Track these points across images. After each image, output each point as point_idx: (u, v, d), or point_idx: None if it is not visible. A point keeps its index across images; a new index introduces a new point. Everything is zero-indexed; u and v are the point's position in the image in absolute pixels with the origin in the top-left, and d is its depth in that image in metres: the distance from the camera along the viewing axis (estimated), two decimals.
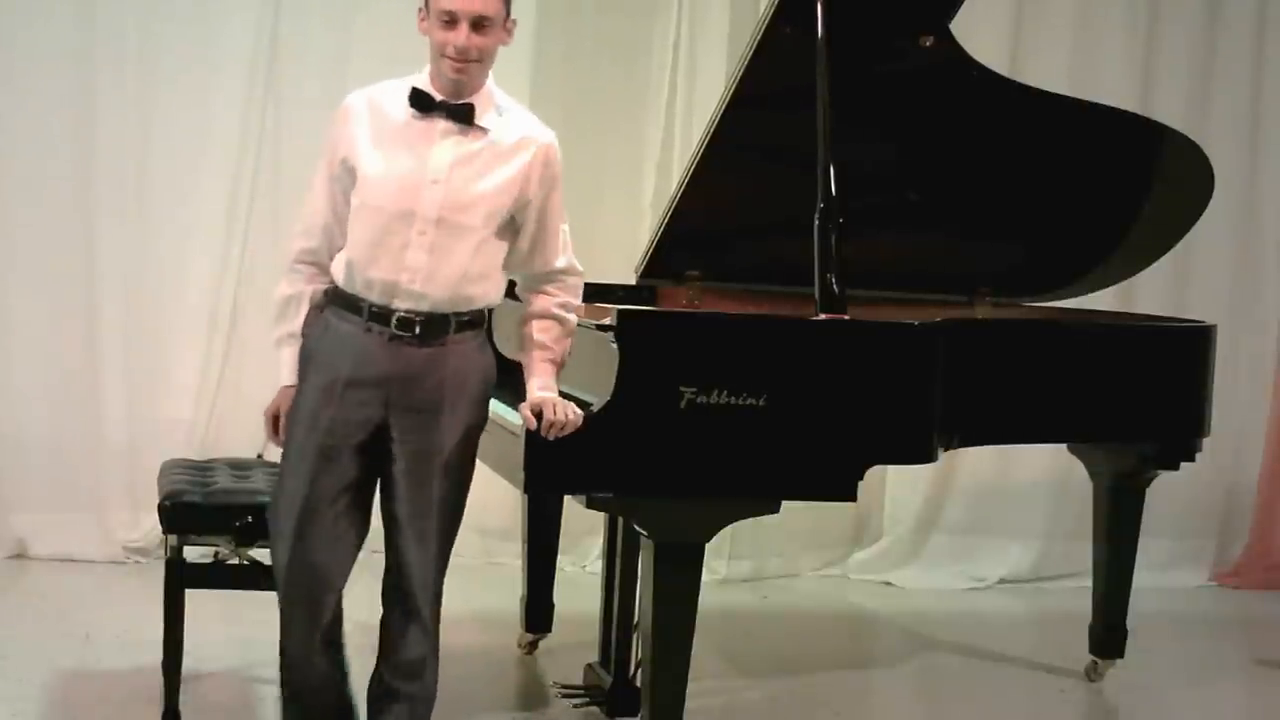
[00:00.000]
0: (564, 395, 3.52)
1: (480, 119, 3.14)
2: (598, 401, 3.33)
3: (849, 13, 3.88)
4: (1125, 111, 4.68)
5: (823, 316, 3.56)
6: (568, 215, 5.79)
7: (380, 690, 3.31)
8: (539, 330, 3.28)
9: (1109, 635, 4.64)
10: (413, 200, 3.09)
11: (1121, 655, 4.66)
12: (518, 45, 5.58)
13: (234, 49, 5.43)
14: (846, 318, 3.56)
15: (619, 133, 5.77)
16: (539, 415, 3.19)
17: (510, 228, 3.20)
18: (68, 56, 5.32)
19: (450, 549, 3.29)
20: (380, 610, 3.30)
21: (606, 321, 3.40)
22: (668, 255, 4.44)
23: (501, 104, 3.19)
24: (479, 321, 3.21)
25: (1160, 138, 4.59)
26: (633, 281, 4.55)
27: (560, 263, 3.29)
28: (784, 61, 3.94)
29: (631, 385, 3.31)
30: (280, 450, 3.27)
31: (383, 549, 3.27)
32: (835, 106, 3.74)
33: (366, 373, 3.14)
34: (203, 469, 4.04)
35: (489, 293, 3.20)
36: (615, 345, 3.33)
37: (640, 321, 3.45)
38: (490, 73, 3.18)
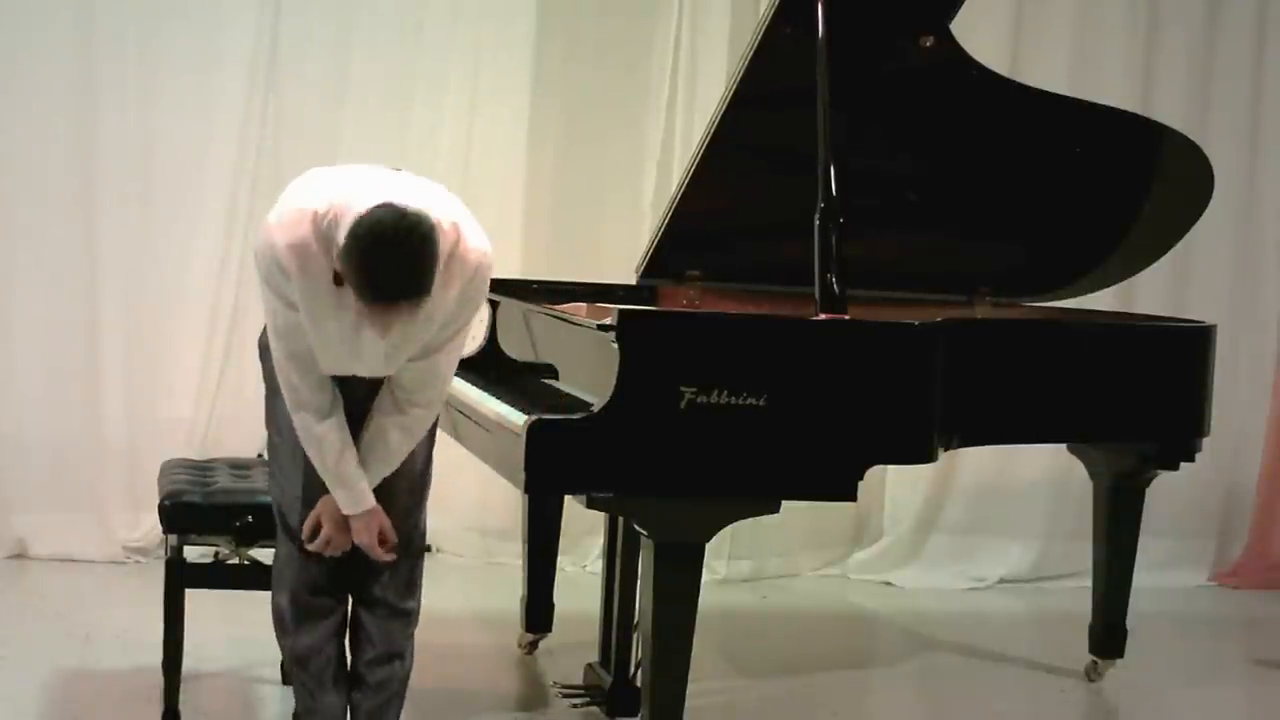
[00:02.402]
0: (565, 396, 3.53)
1: None
2: (598, 401, 3.33)
3: (849, 13, 3.88)
4: (1125, 111, 4.67)
5: (823, 316, 3.56)
6: (570, 213, 5.82)
7: (363, 680, 3.32)
8: (370, 431, 3.14)
9: (1109, 635, 4.64)
10: (355, 364, 3.04)
11: (1121, 655, 4.66)
12: (518, 45, 5.68)
13: (234, 49, 5.43)
14: (846, 318, 3.56)
15: (619, 133, 5.76)
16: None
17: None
18: (68, 57, 5.32)
19: (424, 534, 3.33)
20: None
21: (607, 321, 3.40)
22: (668, 255, 4.44)
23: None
24: None
25: (1160, 138, 4.59)
26: (633, 281, 4.55)
27: (430, 375, 3.11)
28: (784, 61, 3.94)
29: (632, 385, 3.31)
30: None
31: None
32: (835, 106, 3.74)
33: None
34: (203, 469, 4.04)
35: None
36: (615, 345, 3.33)
37: (641, 321, 3.44)
38: None
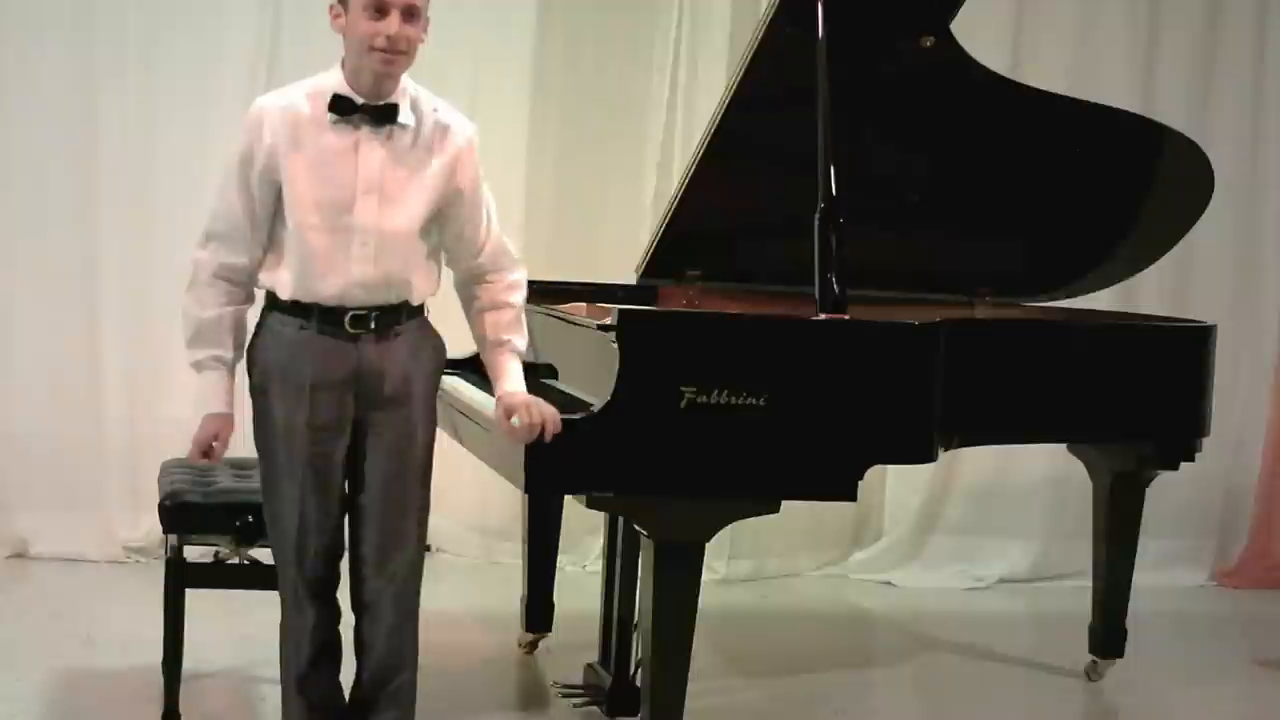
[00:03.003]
0: (564, 396, 3.52)
1: (401, 117, 3.10)
2: (598, 401, 3.33)
3: (849, 13, 3.88)
4: (1125, 111, 4.67)
5: (823, 316, 3.56)
6: (570, 213, 5.81)
7: (369, 694, 3.30)
8: (493, 325, 3.28)
9: (1109, 635, 4.64)
10: (349, 214, 3.07)
11: (1121, 655, 4.66)
12: (518, 45, 5.68)
13: (234, 49, 5.43)
14: (846, 318, 3.56)
15: (619, 132, 5.77)
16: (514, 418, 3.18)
17: (438, 219, 3.19)
18: (68, 57, 5.32)
19: (426, 535, 3.33)
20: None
21: (607, 321, 3.40)
22: (668, 255, 4.44)
23: (417, 96, 3.15)
24: (422, 309, 3.24)
25: (1160, 138, 4.59)
26: (633, 281, 4.55)
27: (494, 244, 3.28)
28: (784, 62, 3.94)
29: (632, 385, 3.31)
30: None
31: None
32: (835, 107, 3.74)
33: (332, 373, 3.13)
34: (203, 469, 4.03)
35: (431, 285, 3.24)
36: (615, 345, 3.33)
37: (641, 321, 3.45)
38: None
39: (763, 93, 4.07)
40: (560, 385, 3.87)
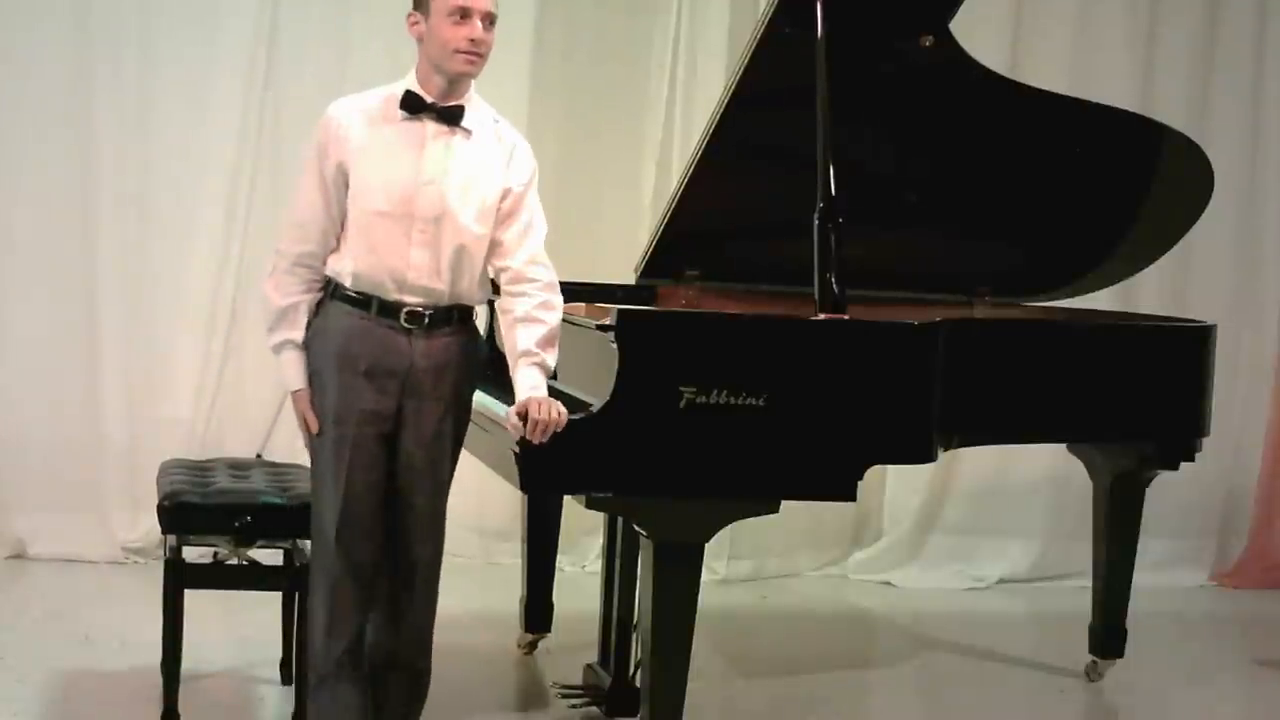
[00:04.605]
0: (564, 396, 3.52)
1: (466, 120, 3.27)
2: (598, 402, 3.33)
3: (849, 12, 3.88)
4: (1125, 111, 4.67)
5: (823, 316, 3.56)
6: (569, 213, 5.81)
7: (384, 661, 3.37)
8: (525, 337, 3.29)
9: (1109, 635, 4.64)
10: (410, 203, 3.21)
11: (1121, 655, 4.66)
12: (518, 44, 5.67)
13: (233, 48, 5.43)
14: (846, 318, 3.56)
15: (619, 132, 5.76)
16: (524, 417, 3.20)
17: (492, 222, 3.30)
18: (67, 56, 5.31)
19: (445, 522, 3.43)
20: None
21: (606, 321, 3.40)
22: (667, 255, 4.44)
23: (480, 107, 3.36)
24: (471, 313, 3.35)
25: (1160, 138, 4.59)
26: (633, 281, 4.55)
27: (532, 252, 3.34)
28: (784, 61, 3.94)
29: (631, 385, 3.31)
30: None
31: None
32: (835, 106, 3.74)
33: (385, 363, 3.24)
34: (202, 469, 4.04)
35: (484, 290, 3.35)
36: (615, 345, 3.33)
37: (640, 321, 3.45)
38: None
39: (762, 92, 4.07)
40: (560, 385, 3.86)
